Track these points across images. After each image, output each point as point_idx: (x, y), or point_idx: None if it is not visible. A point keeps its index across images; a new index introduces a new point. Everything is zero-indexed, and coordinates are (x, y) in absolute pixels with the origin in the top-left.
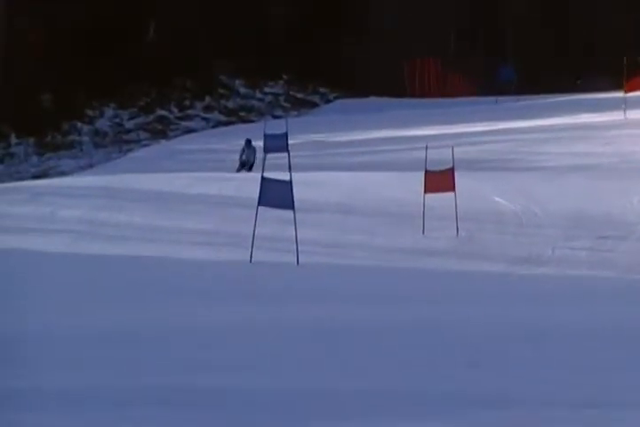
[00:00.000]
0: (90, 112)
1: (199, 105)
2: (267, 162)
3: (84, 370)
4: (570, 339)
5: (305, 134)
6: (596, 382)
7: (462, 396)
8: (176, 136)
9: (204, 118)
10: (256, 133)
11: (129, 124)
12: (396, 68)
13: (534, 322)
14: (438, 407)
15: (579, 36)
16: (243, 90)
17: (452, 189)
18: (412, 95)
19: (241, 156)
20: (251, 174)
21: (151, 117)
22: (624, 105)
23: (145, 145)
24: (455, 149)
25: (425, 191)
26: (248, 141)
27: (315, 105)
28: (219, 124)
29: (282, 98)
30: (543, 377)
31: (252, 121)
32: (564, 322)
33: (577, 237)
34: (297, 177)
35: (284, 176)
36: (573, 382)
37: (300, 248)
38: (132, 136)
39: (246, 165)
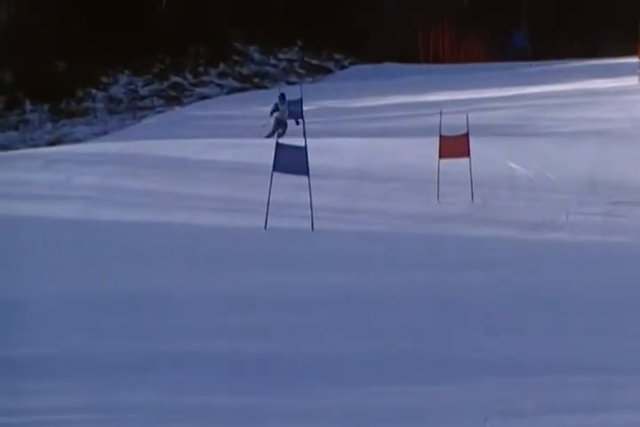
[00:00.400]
0: (104, 79)
1: (213, 72)
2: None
3: (98, 336)
4: (585, 305)
5: (319, 101)
6: (612, 348)
7: (477, 362)
8: (190, 103)
9: (218, 85)
10: (270, 100)
11: (143, 91)
12: (410, 34)
13: (549, 288)
14: (453, 373)
15: (593, 2)
16: (257, 56)
17: (467, 154)
18: (426, 61)
19: (272, 112)
20: (265, 141)
21: (165, 84)
22: (638, 70)
23: (159, 112)
24: (469, 115)
25: (440, 157)
26: (282, 96)
27: (329, 71)
28: (233, 90)
29: (296, 64)
30: (559, 343)
31: (266, 87)
32: (579, 288)
33: (590, 202)
34: (312, 143)
35: (299, 142)
36: (589, 347)
37: (314, 214)
38: (147, 103)
39: (280, 126)
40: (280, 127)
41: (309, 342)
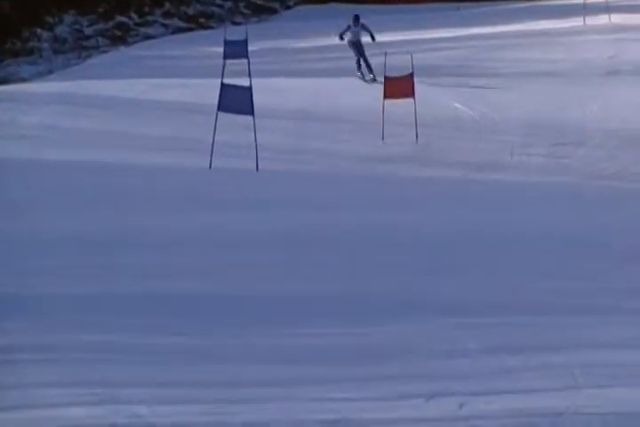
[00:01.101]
0: (50, 19)
1: (158, 11)
2: (227, 68)
3: (51, 277)
4: (529, 244)
5: (264, 41)
6: (557, 288)
7: (421, 303)
8: (135, 43)
9: (163, 25)
10: (216, 40)
11: (88, 31)
12: None
13: (493, 227)
14: (397, 314)
15: None
16: None
17: (412, 95)
18: (372, 1)
19: (342, 36)
20: (212, 81)
21: (110, 24)
22: (584, 11)
23: (104, 51)
24: (414, 56)
25: (384, 97)
26: (356, 17)
27: (274, 11)
28: (178, 30)
29: (242, 4)
30: (503, 284)
31: (211, 27)
32: (523, 227)
33: (534, 143)
34: (257, 83)
35: (244, 82)
36: (533, 287)
37: (259, 155)
38: (92, 42)
39: (356, 49)
40: (356, 50)
41: (254, 285)
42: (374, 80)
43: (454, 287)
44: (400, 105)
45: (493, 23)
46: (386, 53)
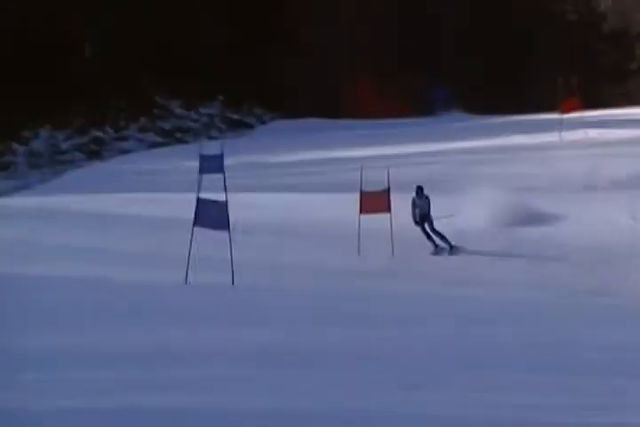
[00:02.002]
0: (25, 133)
1: (134, 126)
2: (203, 183)
3: (14, 391)
4: (505, 360)
5: (240, 155)
6: (533, 404)
7: (396, 418)
8: (111, 157)
9: (139, 139)
10: (192, 155)
11: (64, 145)
12: (331, 90)
13: (471, 344)
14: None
15: (514, 57)
16: (178, 111)
17: (388, 210)
18: (348, 116)
19: (414, 210)
20: (188, 196)
21: (86, 138)
22: (560, 126)
23: (80, 166)
24: (390, 171)
25: (360, 212)
26: (419, 189)
27: (250, 126)
28: (154, 145)
29: (217, 119)
30: (482, 400)
31: (187, 142)
32: (501, 342)
33: (514, 257)
34: (232, 198)
35: (220, 197)
36: (515, 404)
37: (235, 269)
38: (68, 157)
39: (426, 222)
40: (425, 225)
41: (225, 397)
42: (454, 249)
43: (431, 403)
44: (376, 220)
45: (469, 138)
46: (362, 167)
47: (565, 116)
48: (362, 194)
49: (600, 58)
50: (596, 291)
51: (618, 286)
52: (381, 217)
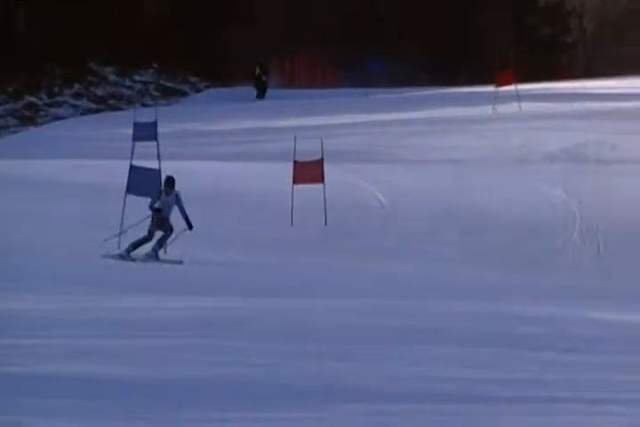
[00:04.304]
0: None
1: (68, 92)
2: (136, 150)
3: None
4: (436, 333)
5: (174, 123)
6: (463, 377)
7: (330, 389)
8: (45, 123)
9: (73, 105)
10: (126, 122)
11: None
12: (266, 59)
13: (401, 316)
14: (306, 398)
15: (452, 32)
16: (112, 78)
17: (321, 180)
18: (282, 86)
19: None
20: (121, 163)
21: (20, 104)
22: (494, 99)
23: (14, 132)
24: (324, 141)
25: (294, 182)
26: (170, 181)
27: (184, 94)
28: (88, 111)
29: (151, 86)
30: (411, 372)
31: (121, 109)
32: (431, 315)
33: (444, 230)
34: (166, 166)
35: (153, 164)
36: (442, 377)
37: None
38: (1, 122)
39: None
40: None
41: (150, 366)
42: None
43: (363, 375)
44: (309, 189)
45: (403, 109)
46: (295, 137)
47: (500, 89)
48: (295, 164)
49: (535, 32)
50: (527, 264)
51: (549, 259)
52: (315, 187)
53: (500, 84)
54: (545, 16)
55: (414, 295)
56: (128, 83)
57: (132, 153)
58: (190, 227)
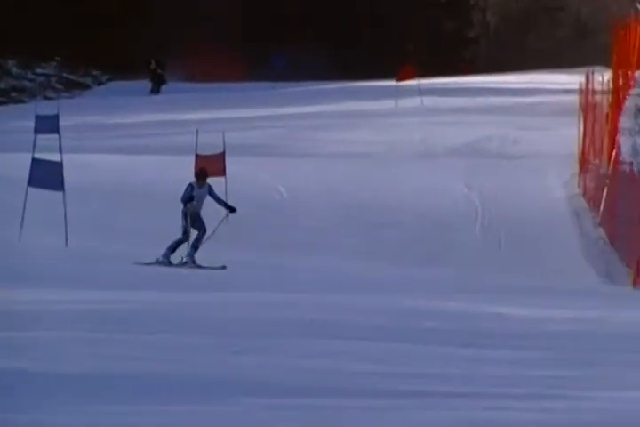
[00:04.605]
0: None
1: None
2: (38, 143)
3: None
4: (340, 328)
5: (76, 116)
6: (365, 371)
7: (223, 382)
8: None
9: None
10: (27, 114)
11: None
12: (168, 53)
13: (301, 311)
14: (198, 391)
15: (355, 26)
16: (15, 70)
17: (223, 173)
18: (187, 79)
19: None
20: (23, 156)
21: None
22: (396, 93)
23: None
24: (229, 134)
25: None
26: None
27: (87, 87)
28: None
29: (54, 79)
30: (312, 367)
31: (23, 102)
32: (330, 310)
33: (347, 224)
34: (68, 159)
35: (55, 157)
36: (339, 370)
37: (69, 231)
38: None
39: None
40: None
41: (45, 360)
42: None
43: (264, 368)
44: (210, 183)
45: (308, 103)
46: (197, 131)
47: (402, 83)
48: (197, 157)
49: (437, 26)
50: (429, 259)
51: (450, 254)
52: (217, 180)
53: (401, 79)
54: (448, 10)
55: (317, 289)
56: (30, 75)
57: (34, 146)
58: (233, 210)
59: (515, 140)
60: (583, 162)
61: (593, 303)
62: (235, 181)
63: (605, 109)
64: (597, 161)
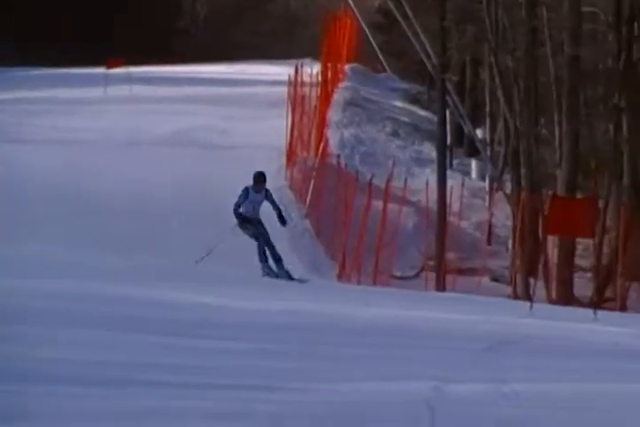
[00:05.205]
0: None
1: None
2: None
3: None
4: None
5: None
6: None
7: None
8: None
9: None
10: None
11: None
12: None
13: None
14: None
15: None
16: None
17: None
18: None
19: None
20: None
21: None
22: (105, 81)
23: None
24: None
25: None
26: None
27: None
28: None
29: None
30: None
31: None
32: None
33: (59, 212)
34: None
35: None
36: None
37: None
38: None
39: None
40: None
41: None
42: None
43: None
44: None
45: (18, 88)
46: None
47: (110, 71)
48: None
49: (149, 14)
50: (138, 248)
51: (159, 243)
52: None
53: (110, 66)
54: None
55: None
56: None
57: None
58: (284, 223)
59: (223, 130)
60: (291, 154)
61: (301, 296)
62: None
63: (314, 102)
64: (305, 153)
